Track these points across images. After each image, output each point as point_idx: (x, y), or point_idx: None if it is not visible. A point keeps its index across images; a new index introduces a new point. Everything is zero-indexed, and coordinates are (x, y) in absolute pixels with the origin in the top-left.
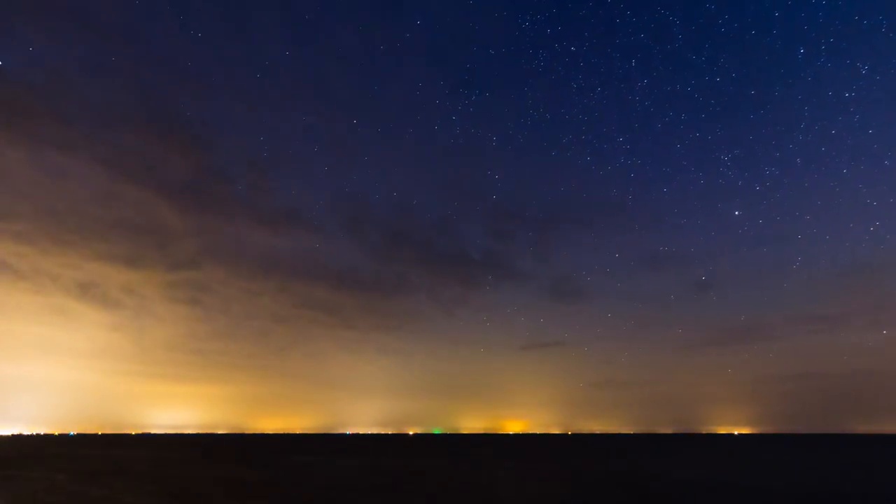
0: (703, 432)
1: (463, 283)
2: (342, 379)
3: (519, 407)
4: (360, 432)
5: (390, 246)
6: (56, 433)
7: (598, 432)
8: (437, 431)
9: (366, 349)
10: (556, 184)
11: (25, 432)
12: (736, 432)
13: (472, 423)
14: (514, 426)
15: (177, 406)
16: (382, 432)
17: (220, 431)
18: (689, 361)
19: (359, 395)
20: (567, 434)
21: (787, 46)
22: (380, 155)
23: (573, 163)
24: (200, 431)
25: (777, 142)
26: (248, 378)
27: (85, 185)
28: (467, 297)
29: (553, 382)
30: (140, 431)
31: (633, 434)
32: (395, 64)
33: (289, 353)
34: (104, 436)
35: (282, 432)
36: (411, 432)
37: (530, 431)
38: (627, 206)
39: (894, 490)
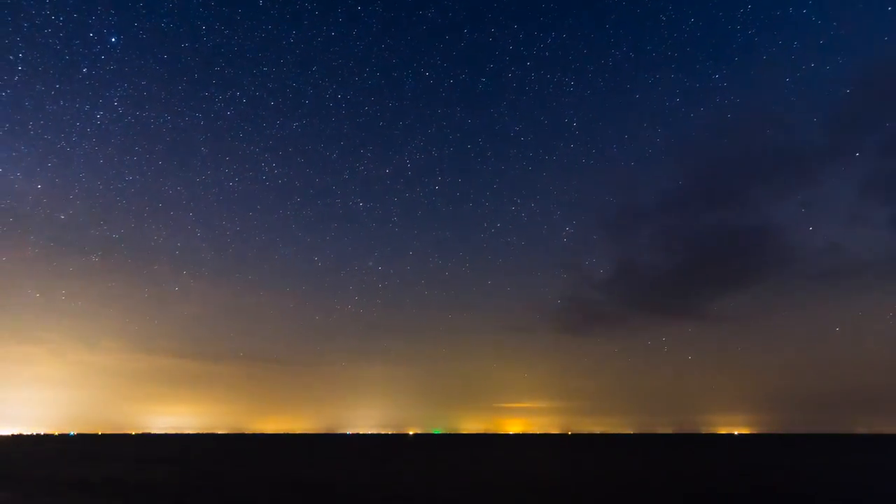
0: (703, 432)
1: None
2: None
3: (519, 408)
4: (361, 432)
5: None
6: (56, 433)
7: (598, 432)
8: (437, 431)
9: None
10: (642, 130)
11: (25, 432)
12: (736, 432)
13: (471, 423)
14: (513, 426)
15: (178, 406)
16: (382, 432)
17: (220, 432)
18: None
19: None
20: (567, 434)
21: None
22: (453, 105)
23: (660, 105)
24: (201, 431)
25: None
26: (249, 378)
27: None
28: None
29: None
30: (140, 431)
31: (634, 434)
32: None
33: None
34: (104, 436)
35: (282, 433)
36: (411, 432)
37: (530, 431)
38: (723, 152)
39: (894, 490)
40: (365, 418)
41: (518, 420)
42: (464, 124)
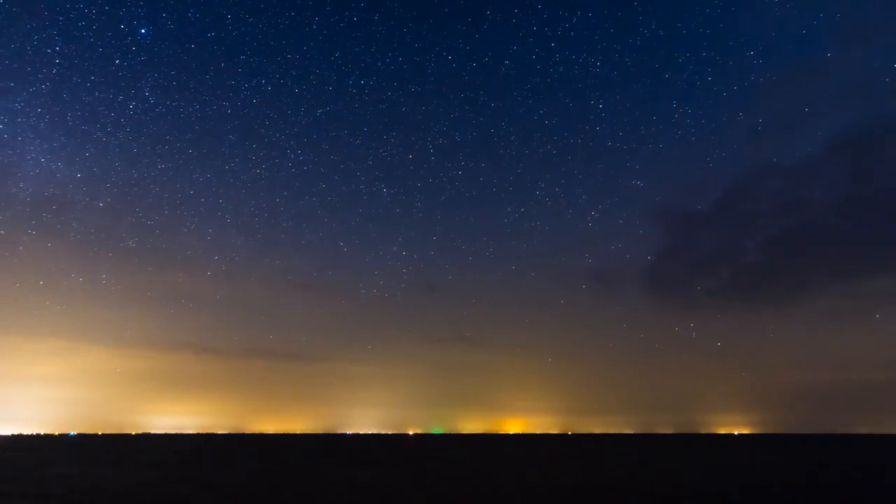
0: (703, 432)
1: None
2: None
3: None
4: (360, 432)
5: None
6: (56, 433)
7: (598, 433)
8: (436, 431)
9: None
10: (671, 111)
11: (25, 432)
12: (736, 432)
13: (471, 423)
14: (513, 426)
15: (178, 406)
16: (382, 432)
17: (220, 432)
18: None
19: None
20: (567, 434)
21: None
22: (476, 89)
23: (691, 85)
24: (201, 431)
25: None
26: (253, 377)
27: None
28: None
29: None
30: (140, 431)
31: (634, 434)
32: None
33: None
34: (104, 436)
35: (281, 433)
36: (411, 432)
37: (530, 431)
38: (758, 134)
39: (893, 490)
40: (364, 418)
41: (518, 420)
42: (487, 108)
